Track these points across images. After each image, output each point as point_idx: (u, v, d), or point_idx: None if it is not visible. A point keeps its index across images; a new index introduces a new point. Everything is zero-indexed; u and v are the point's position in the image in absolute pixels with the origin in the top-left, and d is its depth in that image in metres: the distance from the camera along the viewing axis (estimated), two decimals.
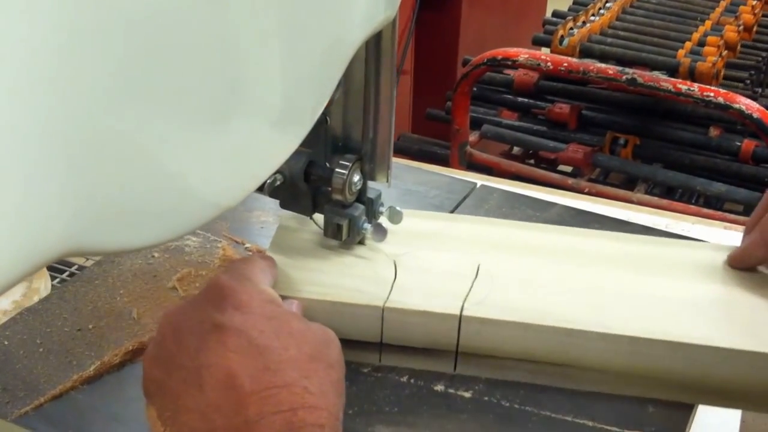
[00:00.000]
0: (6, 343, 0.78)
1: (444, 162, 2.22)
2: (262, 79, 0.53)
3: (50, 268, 1.02)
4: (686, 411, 0.74)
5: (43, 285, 0.98)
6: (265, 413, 0.55)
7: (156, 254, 0.90)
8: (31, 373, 0.75)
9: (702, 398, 0.76)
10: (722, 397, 0.75)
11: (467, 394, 0.74)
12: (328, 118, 0.76)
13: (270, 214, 0.99)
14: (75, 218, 0.40)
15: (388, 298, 0.75)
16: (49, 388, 0.73)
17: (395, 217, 0.81)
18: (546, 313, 0.75)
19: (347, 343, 0.67)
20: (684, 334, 0.73)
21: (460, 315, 0.74)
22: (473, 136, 2.27)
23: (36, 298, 0.93)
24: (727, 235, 1.07)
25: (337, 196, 0.76)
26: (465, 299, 0.76)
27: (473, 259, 0.81)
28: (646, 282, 0.80)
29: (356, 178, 0.77)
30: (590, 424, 0.72)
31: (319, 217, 0.81)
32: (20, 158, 0.36)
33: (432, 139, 2.50)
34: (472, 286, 0.77)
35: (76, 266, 1.07)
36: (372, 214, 0.80)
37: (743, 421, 0.84)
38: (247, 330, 0.59)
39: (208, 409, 0.56)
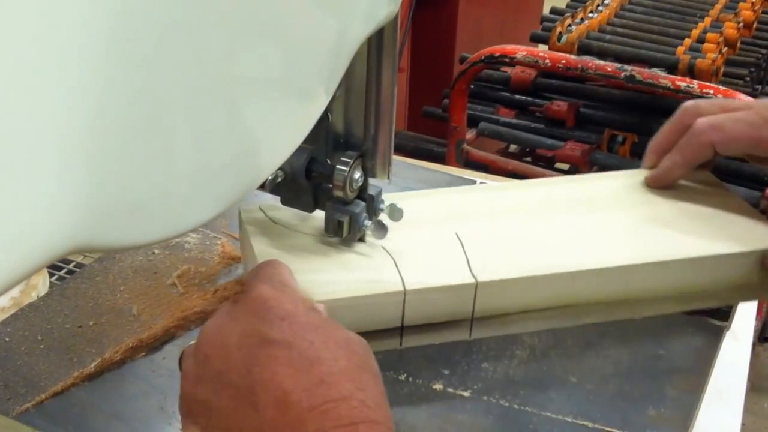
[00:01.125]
0: (7, 339, 0.78)
1: (441, 160, 2.22)
2: (266, 74, 0.53)
3: (48, 265, 1.02)
4: (687, 412, 0.75)
5: (41, 282, 0.98)
6: (326, 428, 0.53)
7: (156, 251, 0.90)
8: (32, 369, 0.75)
9: (684, 305, 0.85)
10: (700, 300, 0.85)
11: (466, 394, 0.75)
12: (329, 115, 0.76)
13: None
14: (83, 215, 0.40)
15: (403, 281, 0.76)
16: (50, 385, 0.73)
17: (395, 214, 0.81)
18: (543, 263, 0.80)
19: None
20: (657, 254, 0.82)
21: (476, 282, 0.77)
22: (470, 134, 2.27)
23: (34, 295, 0.93)
24: None
25: (338, 193, 0.76)
26: (470, 267, 0.78)
27: (449, 229, 0.83)
28: (598, 216, 0.87)
29: (357, 175, 0.77)
30: (590, 425, 0.72)
31: (285, 215, 0.83)
32: (28, 155, 0.37)
33: (429, 137, 2.49)
34: (466, 255, 0.80)
35: (74, 263, 1.07)
36: (373, 211, 0.80)
37: (743, 424, 0.84)
38: (296, 342, 0.57)
39: (264, 427, 0.54)
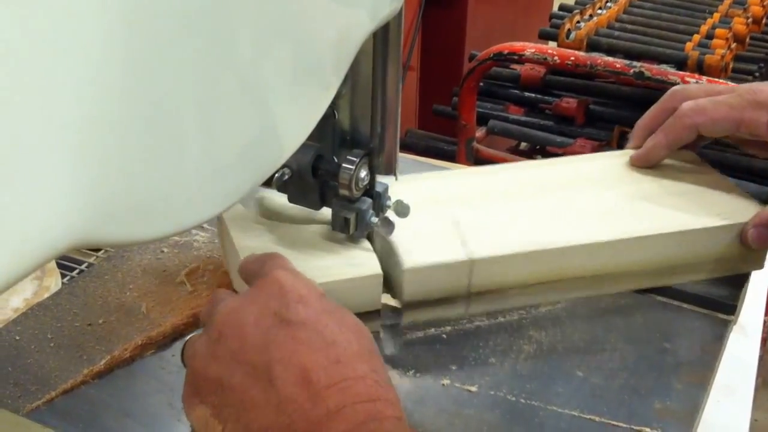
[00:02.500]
0: (17, 338, 0.79)
1: (451, 158, 2.22)
2: (271, 69, 0.54)
3: (60, 266, 1.02)
4: (694, 406, 0.75)
5: (54, 283, 0.99)
6: (346, 403, 0.54)
7: (165, 249, 0.91)
8: (42, 367, 0.76)
9: (669, 279, 0.88)
10: (685, 273, 0.88)
11: (473, 388, 0.75)
12: (335, 112, 0.77)
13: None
14: (89, 209, 0.41)
15: (401, 261, 0.80)
16: (60, 383, 0.74)
17: (402, 210, 0.81)
18: (534, 240, 0.84)
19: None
20: (641, 228, 0.86)
21: (471, 260, 0.81)
22: (480, 132, 2.27)
23: (47, 296, 0.94)
24: None
25: (344, 192, 0.76)
26: (465, 245, 0.82)
27: (444, 210, 0.87)
28: (586, 194, 0.92)
29: (363, 173, 0.77)
30: (597, 419, 0.73)
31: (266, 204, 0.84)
32: (35, 149, 0.37)
33: (439, 135, 2.49)
34: (461, 233, 0.84)
35: (86, 264, 1.07)
36: (379, 207, 0.80)
37: (755, 420, 0.85)
38: (313, 324, 0.58)
39: (283, 404, 0.55)
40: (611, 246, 0.85)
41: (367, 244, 0.81)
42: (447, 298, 0.83)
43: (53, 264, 1.01)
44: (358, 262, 0.80)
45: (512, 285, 0.84)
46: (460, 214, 0.86)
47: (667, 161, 0.97)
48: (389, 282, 0.82)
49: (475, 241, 0.83)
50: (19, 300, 0.96)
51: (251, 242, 0.80)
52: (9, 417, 0.71)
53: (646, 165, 0.96)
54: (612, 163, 0.98)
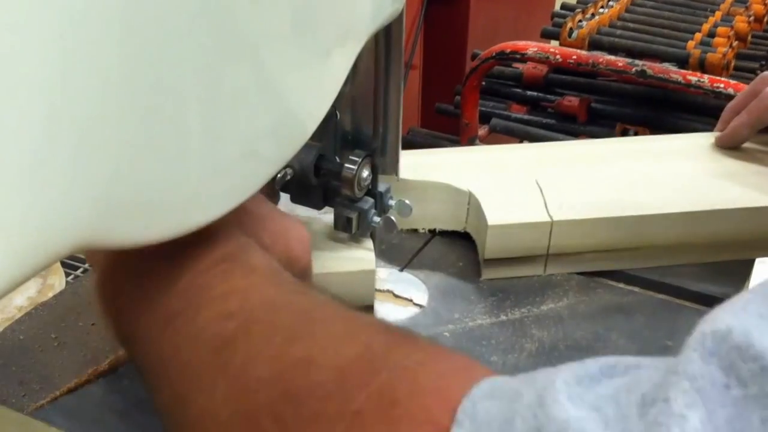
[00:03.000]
0: (21, 337, 0.79)
1: None
2: (273, 67, 0.54)
3: (65, 265, 1.03)
4: None
5: (58, 281, 0.99)
6: None
7: None
8: (47, 366, 0.76)
9: (745, 253, 0.91)
10: (759, 250, 0.91)
11: None
12: (337, 112, 0.77)
13: (281, 208, 0.99)
14: (90, 212, 0.41)
15: (487, 217, 0.87)
16: (64, 382, 0.74)
17: (404, 210, 0.81)
18: (614, 206, 0.89)
19: None
20: (719, 201, 0.91)
21: (551, 221, 0.87)
22: (482, 130, 2.27)
23: (51, 295, 0.94)
24: None
25: (346, 192, 0.77)
26: (546, 207, 0.89)
27: (528, 175, 0.94)
28: (666, 167, 0.98)
29: (365, 174, 0.77)
30: None
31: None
32: (39, 150, 0.37)
33: (441, 134, 2.49)
34: (544, 196, 0.90)
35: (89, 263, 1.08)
36: (381, 207, 0.80)
37: None
38: None
39: None
40: (689, 217, 0.89)
41: (369, 243, 0.82)
42: (526, 257, 0.89)
43: (57, 263, 1.01)
44: (355, 257, 0.81)
45: (590, 249, 0.89)
46: (543, 179, 0.93)
47: (751, 144, 1.02)
48: (476, 239, 0.92)
49: (556, 204, 0.89)
50: (22, 298, 0.97)
51: None
52: (14, 416, 0.71)
53: (730, 144, 1.01)
54: (695, 142, 1.04)
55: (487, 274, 0.90)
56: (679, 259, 0.91)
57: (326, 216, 0.83)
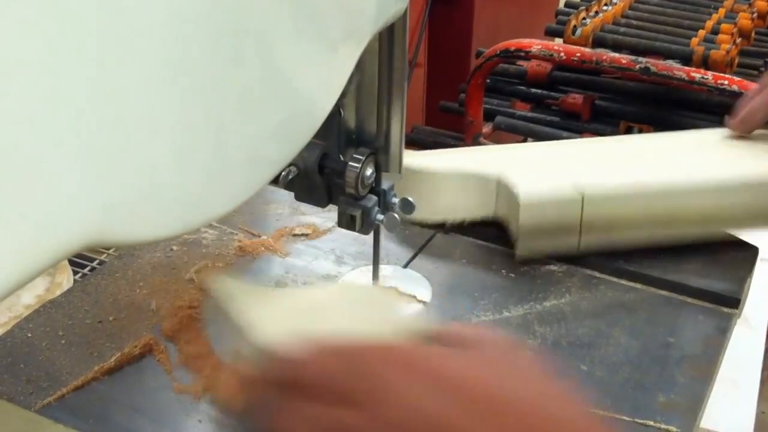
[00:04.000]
0: (29, 335, 0.80)
1: None
2: (279, 63, 0.54)
3: (72, 263, 1.04)
4: (697, 399, 0.76)
5: (66, 280, 1.00)
6: None
7: (174, 247, 0.92)
8: (54, 364, 0.77)
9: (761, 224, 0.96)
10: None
11: None
12: (341, 111, 0.77)
13: (286, 206, 1.00)
14: (95, 210, 0.41)
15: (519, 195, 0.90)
16: (71, 379, 0.75)
17: (407, 208, 0.82)
18: (643, 181, 0.93)
19: None
20: (750, 173, 0.95)
21: (582, 196, 0.90)
22: (486, 128, 2.27)
23: (58, 293, 0.95)
24: None
25: (350, 190, 0.77)
26: (578, 184, 0.91)
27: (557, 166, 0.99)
28: (685, 152, 1.02)
29: (369, 172, 0.78)
30: (601, 413, 0.73)
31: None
32: (46, 149, 0.37)
33: (446, 132, 2.49)
34: (575, 174, 0.94)
35: (97, 261, 1.08)
36: (385, 205, 0.81)
37: (762, 412, 0.85)
38: None
39: None
40: (716, 189, 0.94)
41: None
42: (561, 230, 0.92)
43: (65, 261, 1.02)
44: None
45: (622, 222, 0.93)
46: (569, 168, 0.97)
47: (763, 134, 1.04)
48: (504, 219, 0.95)
49: (586, 180, 0.92)
50: (30, 296, 0.98)
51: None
52: (21, 413, 0.72)
53: (745, 128, 1.03)
54: (711, 135, 1.07)
55: (523, 250, 0.93)
56: (709, 229, 0.95)
57: None
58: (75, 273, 1.05)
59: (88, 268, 1.08)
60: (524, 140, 2.47)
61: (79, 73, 0.38)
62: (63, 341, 0.79)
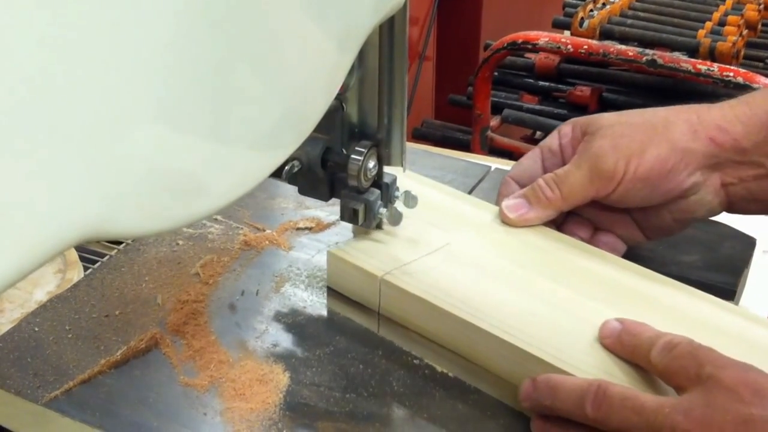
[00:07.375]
0: (36, 329, 0.80)
1: (466, 147, 2.23)
2: (279, 62, 0.54)
3: (83, 259, 1.04)
4: None
5: (77, 276, 1.00)
6: None
7: (180, 242, 0.92)
8: (61, 358, 0.77)
9: None
10: None
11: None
12: (343, 105, 0.78)
13: (291, 201, 1.00)
14: (95, 202, 0.41)
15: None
16: (77, 373, 0.75)
17: (410, 201, 0.82)
18: (460, 301, 0.75)
19: None
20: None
21: (380, 278, 0.79)
22: (494, 121, 2.28)
23: None
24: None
25: (353, 183, 0.78)
26: (398, 267, 0.79)
27: (448, 237, 0.84)
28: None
29: (371, 164, 0.78)
30: None
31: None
32: (44, 141, 0.37)
33: (454, 125, 2.50)
34: (417, 258, 0.81)
35: (108, 257, 1.09)
36: (388, 198, 0.81)
37: None
38: None
39: None
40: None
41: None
42: (364, 307, 0.81)
43: (76, 257, 1.03)
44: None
45: (415, 329, 0.78)
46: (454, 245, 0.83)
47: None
48: None
49: (403, 269, 0.79)
50: (42, 293, 0.98)
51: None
52: (28, 407, 0.72)
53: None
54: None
55: (333, 304, 0.84)
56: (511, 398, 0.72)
57: None
58: (86, 269, 1.06)
59: (98, 264, 1.08)
60: (533, 133, 2.48)
61: (75, 60, 0.38)
62: (70, 335, 0.80)
